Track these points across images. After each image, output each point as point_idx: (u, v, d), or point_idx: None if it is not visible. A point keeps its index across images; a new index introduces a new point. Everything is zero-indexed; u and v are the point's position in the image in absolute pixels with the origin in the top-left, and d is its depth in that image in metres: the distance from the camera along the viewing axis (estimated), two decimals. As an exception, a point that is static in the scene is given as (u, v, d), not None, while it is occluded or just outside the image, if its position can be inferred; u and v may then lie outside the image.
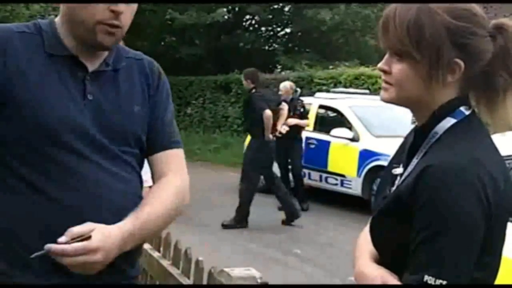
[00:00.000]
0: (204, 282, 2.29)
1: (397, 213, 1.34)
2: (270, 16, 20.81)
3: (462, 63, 1.33)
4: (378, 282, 1.36)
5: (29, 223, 1.55)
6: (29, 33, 1.63)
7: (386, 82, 1.39)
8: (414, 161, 1.38)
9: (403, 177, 1.40)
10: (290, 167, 9.46)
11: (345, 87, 13.31)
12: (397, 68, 1.36)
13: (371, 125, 9.39)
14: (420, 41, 1.31)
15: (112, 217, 1.57)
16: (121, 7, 1.59)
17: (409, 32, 1.31)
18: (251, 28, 21.90)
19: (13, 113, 1.56)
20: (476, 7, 1.35)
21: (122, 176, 1.65)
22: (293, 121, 9.17)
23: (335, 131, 9.60)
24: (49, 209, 1.55)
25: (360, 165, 9.10)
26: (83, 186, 1.58)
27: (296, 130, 9.24)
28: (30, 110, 1.56)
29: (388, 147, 8.49)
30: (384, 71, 1.39)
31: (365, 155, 9.07)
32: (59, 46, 1.63)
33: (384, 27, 1.36)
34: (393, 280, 1.35)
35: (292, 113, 9.21)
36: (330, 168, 9.65)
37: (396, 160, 1.52)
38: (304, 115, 9.37)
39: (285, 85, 9.68)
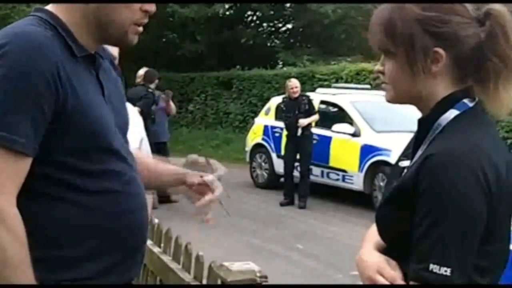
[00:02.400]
0: (204, 276, 2.31)
1: (401, 202, 1.35)
2: (272, 12, 20.77)
3: (442, 51, 1.35)
4: (373, 270, 1.39)
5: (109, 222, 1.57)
6: (54, 35, 1.50)
7: (384, 83, 1.46)
8: (419, 152, 1.40)
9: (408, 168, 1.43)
10: (296, 164, 9.44)
11: (347, 82, 13.30)
12: (387, 67, 1.43)
13: (372, 121, 9.38)
14: (394, 35, 1.39)
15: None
16: (154, 7, 1.59)
17: (384, 29, 1.41)
18: (252, 24, 21.87)
19: (64, 126, 1.47)
20: None
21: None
22: (305, 121, 9.13)
23: (337, 127, 9.60)
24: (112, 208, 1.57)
25: (362, 160, 9.10)
26: (128, 184, 1.60)
27: (305, 126, 9.21)
28: (83, 120, 1.49)
29: (389, 142, 8.48)
30: (381, 72, 1.46)
31: (367, 150, 9.06)
32: (78, 46, 1.54)
33: (370, 30, 1.46)
34: (388, 268, 1.37)
35: (297, 111, 9.19)
36: (332, 163, 9.65)
37: (404, 154, 1.56)
38: (311, 111, 9.33)
39: (287, 84, 9.63)
